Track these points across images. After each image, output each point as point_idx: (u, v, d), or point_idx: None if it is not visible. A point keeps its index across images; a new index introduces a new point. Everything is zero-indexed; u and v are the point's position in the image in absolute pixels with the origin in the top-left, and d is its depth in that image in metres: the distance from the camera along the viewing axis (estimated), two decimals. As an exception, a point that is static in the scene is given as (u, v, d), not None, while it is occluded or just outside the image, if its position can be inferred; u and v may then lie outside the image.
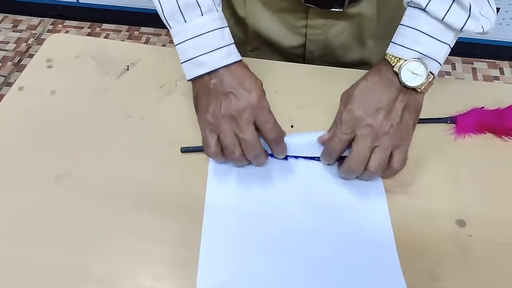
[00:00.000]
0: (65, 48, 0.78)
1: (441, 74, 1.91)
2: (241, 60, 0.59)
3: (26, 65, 0.75)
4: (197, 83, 0.59)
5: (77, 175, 0.60)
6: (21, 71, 0.73)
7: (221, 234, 0.55)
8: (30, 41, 2.07)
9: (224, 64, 0.57)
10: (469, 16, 0.52)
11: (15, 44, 2.06)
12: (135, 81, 0.72)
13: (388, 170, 0.55)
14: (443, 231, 0.55)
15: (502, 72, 1.95)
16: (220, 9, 0.59)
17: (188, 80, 0.59)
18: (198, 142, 0.61)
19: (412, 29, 0.54)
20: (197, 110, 0.59)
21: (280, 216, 0.56)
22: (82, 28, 2.12)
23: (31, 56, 1.97)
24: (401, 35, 0.55)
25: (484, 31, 0.54)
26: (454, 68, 1.95)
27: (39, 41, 2.06)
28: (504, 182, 0.60)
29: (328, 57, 0.80)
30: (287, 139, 0.59)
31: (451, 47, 0.55)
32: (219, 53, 0.57)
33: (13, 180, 0.60)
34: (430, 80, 0.54)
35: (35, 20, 2.18)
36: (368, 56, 0.80)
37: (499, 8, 1.80)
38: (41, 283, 0.51)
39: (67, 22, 2.16)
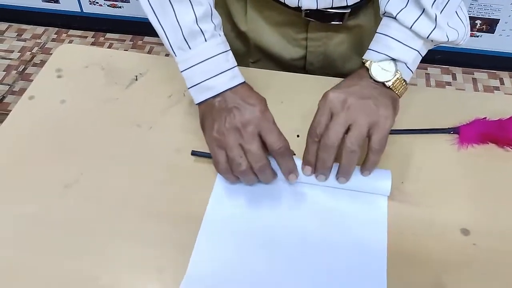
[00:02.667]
0: (74, 58, 0.79)
1: (442, 84, 1.93)
2: (245, 81, 0.60)
3: (31, 73, 0.77)
4: (203, 104, 0.60)
5: (86, 184, 0.61)
6: (25, 80, 0.74)
7: (215, 240, 0.56)
8: (34, 50, 2.09)
9: (230, 87, 0.58)
10: (435, 27, 0.58)
11: (20, 53, 2.07)
12: (143, 91, 0.73)
13: (369, 152, 0.56)
14: (448, 240, 0.56)
15: (502, 83, 1.96)
16: (222, 33, 0.61)
17: (196, 104, 0.60)
18: (205, 151, 0.62)
19: (384, 35, 0.59)
20: (204, 130, 0.60)
21: (275, 233, 0.57)
22: (86, 37, 2.14)
23: (35, 65, 1.99)
24: (375, 41, 0.60)
25: (449, 40, 0.59)
26: (454, 78, 1.97)
27: (43, 50, 2.08)
28: (507, 191, 0.61)
29: (328, 68, 0.81)
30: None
31: (422, 54, 0.60)
32: (224, 76, 0.58)
33: (23, 188, 0.61)
34: (398, 78, 0.58)
35: (39, 29, 2.20)
36: None
37: (498, 19, 1.82)
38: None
39: (71, 32, 2.18)
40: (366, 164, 0.57)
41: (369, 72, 0.59)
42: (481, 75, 1.97)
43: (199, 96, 0.59)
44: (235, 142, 0.56)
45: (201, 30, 0.58)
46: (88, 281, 0.53)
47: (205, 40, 0.59)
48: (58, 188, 0.61)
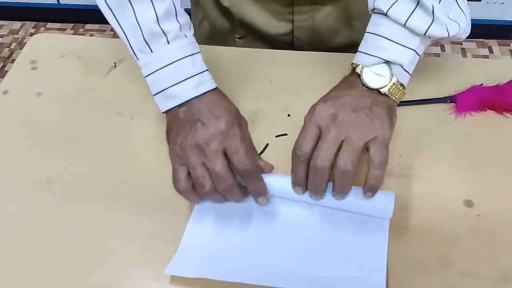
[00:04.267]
0: (49, 48, 0.75)
1: (431, 56, 1.91)
2: (216, 88, 0.55)
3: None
4: (169, 114, 0.54)
5: (70, 178, 0.58)
6: (4, 77, 0.70)
7: (206, 225, 0.54)
8: (12, 46, 2.03)
9: (196, 95, 0.53)
10: (433, 20, 0.50)
11: (-2, 50, 2.02)
12: (123, 78, 0.70)
13: (370, 168, 0.49)
14: (452, 213, 0.54)
15: (491, 51, 1.95)
16: (190, 34, 0.55)
17: (162, 112, 0.55)
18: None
19: (375, 35, 0.51)
20: (168, 143, 0.55)
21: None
22: (65, 29, 2.09)
23: (14, 61, 1.93)
24: (365, 42, 0.53)
25: (450, 35, 0.51)
26: (443, 49, 1.94)
27: (22, 45, 2.02)
28: (508, 158, 0.58)
29: (317, 43, 0.78)
30: (269, 179, 0.54)
31: (419, 53, 0.52)
32: (190, 82, 0.52)
33: (4, 186, 0.58)
34: (395, 83, 0.51)
35: (16, 24, 2.14)
36: (356, 38, 0.78)
37: (486, -14, 1.79)
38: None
39: (49, 25, 2.12)
40: (368, 182, 0.49)
41: (361, 79, 0.51)
42: (470, 45, 1.95)
43: (164, 104, 0.54)
44: (197, 160, 0.51)
45: (162, 31, 0.52)
46: (78, 280, 0.50)
47: (168, 42, 0.53)
48: (41, 184, 0.58)
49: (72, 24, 2.10)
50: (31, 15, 2.12)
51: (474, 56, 1.91)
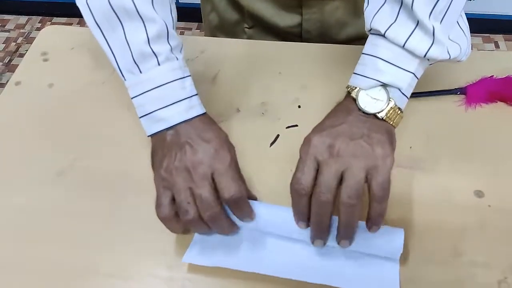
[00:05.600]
0: (59, 41, 0.75)
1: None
2: (205, 113, 0.53)
3: (17, 64, 0.73)
4: (155, 137, 0.52)
5: (80, 169, 0.59)
6: (12, 71, 0.71)
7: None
8: (19, 40, 2.04)
9: (185, 119, 0.50)
10: (433, 42, 0.47)
11: (4, 44, 2.02)
12: (134, 70, 0.70)
13: (371, 201, 0.46)
14: (462, 204, 0.54)
15: (497, 46, 1.94)
16: (181, 56, 0.53)
17: (148, 136, 0.52)
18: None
19: (372, 56, 0.49)
20: (153, 166, 0.52)
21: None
22: (71, 24, 2.09)
23: (21, 55, 1.94)
24: (362, 64, 0.50)
25: (451, 57, 0.49)
26: (449, 44, 1.94)
27: (28, 39, 2.03)
28: (518, 151, 0.59)
29: (325, 35, 0.78)
30: (262, 212, 0.50)
31: (418, 76, 0.50)
32: (179, 106, 0.50)
33: (15, 177, 0.58)
34: (392, 107, 0.48)
35: (22, 19, 2.15)
36: (363, 31, 0.78)
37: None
38: (50, 280, 0.50)
39: (56, 19, 2.13)
40: (371, 216, 0.46)
41: (357, 103, 0.49)
42: (476, 40, 1.95)
43: (151, 127, 0.51)
44: (183, 184, 0.48)
45: (153, 52, 0.50)
46: (89, 270, 0.51)
47: (158, 64, 0.50)
48: (51, 175, 0.58)
49: (78, 18, 2.10)
50: (37, 9, 2.13)
51: (480, 51, 1.90)
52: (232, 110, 0.64)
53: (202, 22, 0.86)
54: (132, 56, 0.50)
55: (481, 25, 1.92)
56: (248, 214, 0.49)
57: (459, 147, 0.59)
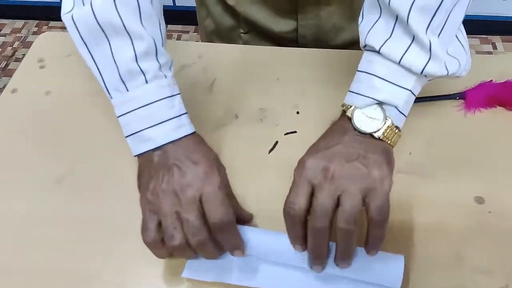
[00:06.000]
0: (56, 47, 0.75)
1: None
2: (194, 132, 0.51)
3: (14, 69, 0.73)
4: (141, 157, 0.50)
5: (80, 176, 0.58)
6: (8, 76, 0.71)
7: None
8: (15, 45, 2.03)
9: (172, 139, 0.49)
10: (430, 58, 0.45)
11: (0, 49, 2.02)
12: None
13: (370, 226, 0.44)
14: (463, 210, 0.54)
15: (494, 47, 1.95)
16: (170, 74, 0.51)
17: (134, 156, 0.51)
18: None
19: (368, 74, 0.47)
20: (139, 188, 0.51)
21: None
22: (60, 32, 2.08)
23: (18, 60, 1.93)
24: (357, 82, 0.48)
25: (449, 73, 0.47)
26: (446, 46, 1.94)
27: (25, 44, 2.02)
28: (518, 156, 0.58)
29: (321, 40, 0.78)
30: (255, 236, 0.49)
31: (415, 93, 0.48)
32: (167, 126, 0.49)
33: (15, 184, 0.58)
34: (389, 126, 0.46)
35: (19, 23, 2.14)
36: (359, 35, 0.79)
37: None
38: (51, 286, 0.50)
39: (52, 23, 2.13)
40: (370, 241, 0.45)
41: (352, 123, 0.47)
42: (473, 41, 1.95)
43: (137, 147, 0.49)
44: (170, 208, 0.46)
45: (141, 69, 0.48)
46: (90, 278, 0.50)
47: (146, 82, 0.48)
48: (50, 182, 0.58)
49: (75, 22, 2.10)
50: (33, 13, 2.12)
51: (478, 52, 1.90)
52: (231, 116, 0.64)
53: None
54: (119, 73, 0.48)
55: (478, 26, 1.92)
56: (236, 245, 0.47)
57: (458, 153, 0.59)
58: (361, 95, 0.47)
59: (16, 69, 0.73)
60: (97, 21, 0.47)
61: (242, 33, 0.80)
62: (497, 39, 1.96)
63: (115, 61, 0.48)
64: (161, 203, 0.46)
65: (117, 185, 0.57)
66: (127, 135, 0.50)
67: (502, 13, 1.89)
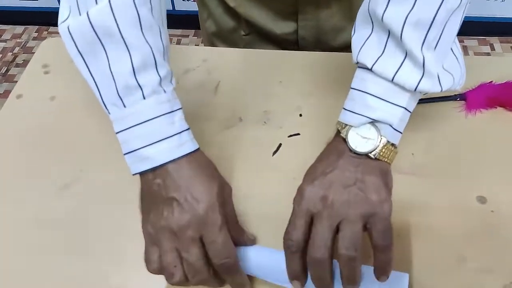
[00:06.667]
0: (60, 53, 0.75)
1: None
2: (197, 149, 0.48)
3: (15, 74, 0.74)
4: (142, 179, 0.48)
5: (86, 180, 0.59)
6: (9, 81, 0.71)
7: None
8: (16, 50, 2.04)
9: (173, 158, 0.46)
10: (423, 75, 0.44)
11: (1, 54, 2.02)
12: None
13: (375, 252, 0.43)
14: (465, 210, 0.54)
15: (493, 48, 1.96)
16: (171, 88, 0.48)
17: (133, 174, 0.48)
18: (202, 137, 0.59)
19: (361, 92, 0.46)
20: (141, 210, 0.49)
21: None
22: (67, 34, 2.09)
23: (18, 65, 1.94)
24: (351, 99, 0.47)
25: (443, 90, 0.46)
26: (445, 47, 1.95)
27: (25, 49, 2.03)
28: (519, 155, 0.59)
29: (321, 41, 0.79)
30: (259, 259, 0.48)
31: (410, 110, 0.47)
32: (167, 143, 0.46)
33: (20, 190, 0.58)
34: (385, 144, 0.46)
35: (19, 29, 2.15)
36: None
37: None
38: (60, 293, 0.50)
39: (52, 28, 2.13)
40: (378, 266, 0.44)
41: (347, 144, 0.46)
42: (472, 42, 1.96)
43: (135, 166, 0.47)
44: (170, 245, 0.45)
45: (138, 84, 0.46)
46: (98, 281, 0.51)
47: (144, 98, 0.46)
48: (57, 187, 0.58)
49: (75, 27, 2.11)
50: (33, 19, 2.13)
51: (476, 53, 1.91)
52: (235, 120, 0.65)
53: (198, 29, 0.87)
54: (116, 88, 0.46)
55: (476, 27, 1.94)
56: (241, 283, 0.47)
57: (460, 153, 0.59)
58: (356, 113, 0.46)
59: (16, 75, 0.73)
60: (94, 31, 0.45)
61: (243, 35, 0.81)
62: (495, 40, 1.97)
63: (112, 75, 0.46)
64: (160, 240, 0.45)
65: (123, 189, 0.58)
66: (125, 153, 0.47)
67: (500, 14, 1.90)
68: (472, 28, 1.93)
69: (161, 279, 0.50)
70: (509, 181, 0.57)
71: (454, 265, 0.50)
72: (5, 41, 2.09)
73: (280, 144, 0.62)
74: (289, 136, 0.63)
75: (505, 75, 0.66)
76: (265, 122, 0.64)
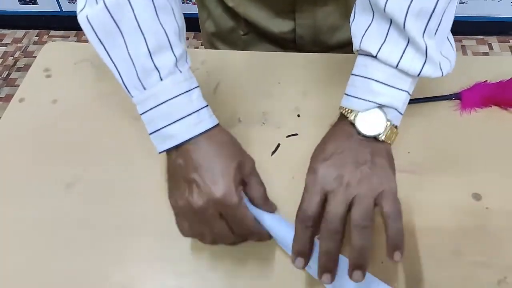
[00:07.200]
0: (62, 56, 0.77)
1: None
2: (216, 125, 0.51)
3: (16, 78, 0.75)
4: (168, 157, 0.51)
5: (89, 180, 0.60)
6: (10, 86, 0.72)
7: None
8: (17, 54, 2.05)
9: (191, 136, 0.48)
10: (425, 61, 0.47)
11: (2, 59, 2.03)
12: (136, 83, 0.71)
13: (387, 222, 0.46)
14: (460, 206, 0.55)
15: (491, 48, 1.96)
16: (186, 67, 0.51)
17: (159, 153, 0.51)
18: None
19: (364, 78, 0.49)
20: (168, 186, 0.52)
21: None
22: (68, 37, 2.11)
23: (19, 69, 1.95)
24: (352, 86, 0.50)
25: (444, 74, 0.49)
26: (443, 47, 1.96)
27: (26, 53, 2.04)
28: (513, 153, 0.60)
29: (318, 40, 0.80)
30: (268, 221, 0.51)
31: (411, 93, 0.49)
32: (186, 122, 0.49)
33: (24, 191, 0.59)
34: (390, 127, 0.48)
35: (19, 33, 2.16)
36: None
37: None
38: (64, 291, 0.51)
39: (52, 32, 2.14)
40: (390, 236, 0.45)
41: (356, 128, 0.48)
42: (470, 42, 1.97)
43: (161, 145, 0.50)
44: (194, 219, 0.49)
45: (155, 66, 0.48)
46: (99, 279, 0.52)
47: (161, 79, 0.48)
48: (60, 188, 0.59)
49: (75, 31, 2.12)
50: (34, 23, 2.14)
51: (474, 53, 1.92)
52: (234, 120, 0.66)
53: (198, 31, 0.88)
54: (136, 71, 0.49)
55: (474, 27, 1.94)
56: (262, 239, 0.51)
57: (455, 151, 0.61)
58: (361, 98, 0.49)
59: (17, 79, 0.74)
60: (111, 17, 0.47)
61: (242, 34, 0.82)
62: (493, 39, 1.98)
63: (131, 58, 0.48)
64: (185, 214, 0.49)
65: (125, 187, 0.59)
66: (150, 132, 0.50)
67: (498, 14, 1.91)
68: (470, 27, 1.94)
69: (163, 275, 0.51)
70: (504, 178, 0.58)
71: (450, 259, 0.51)
72: (5, 45, 2.10)
73: (279, 144, 0.63)
74: (287, 136, 0.64)
75: (499, 75, 0.67)
76: (263, 122, 0.65)
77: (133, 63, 0.48)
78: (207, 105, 0.51)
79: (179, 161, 0.49)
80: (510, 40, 1.98)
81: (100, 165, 0.62)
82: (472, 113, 0.64)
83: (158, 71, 0.48)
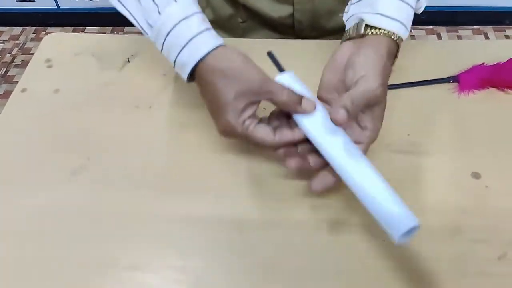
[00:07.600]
0: (62, 47, 0.77)
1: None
2: (219, 46, 0.53)
3: (14, 75, 0.75)
4: (194, 79, 0.56)
5: (94, 167, 0.61)
6: (9, 82, 0.72)
7: None
8: (14, 51, 2.05)
9: (195, 62, 0.52)
10: None
11: (0, 56, 2.03)
12: (137, 72, 0.72)
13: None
14: (460, 185, 0.56)
15: (487, 37, 1.97)
16: None
17: (187, 82, 0.56)
18: (209, 122, 0.61)
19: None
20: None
21: None
22: (65, 33, 2.10)
23: (17, 66, 1.95)
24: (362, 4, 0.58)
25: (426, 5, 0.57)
26: (440, 37, 1.97)
27: (24, 50, 2.04)
28: (509, 132, 0.61)
29: (316, 24, 0.81)
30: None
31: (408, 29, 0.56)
32: (190, 46, 0.53)
33: (30, 180, 0.60)
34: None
35: (16, 30, 2.16)
36: None
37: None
38: (72, 275, 0.52)
39: (50, 29, 2.14)
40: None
41: (394, 38, 0.54)
42: (466, 32, 1.98)
43: (183, 74, 0.55)
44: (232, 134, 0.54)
45: (154, 2, 0.54)
46: (109, 263, 0.52)
47: (159, 13, 0.53)
48: (65, 176, 0.60)
49: (72, 27, 2.12)
50: (31, 20, 2.14)
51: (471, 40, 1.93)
52: (235, 107, 0.66)
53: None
54: (142, 12, 0.54)
55: (470, 17, 1.95)
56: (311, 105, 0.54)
57: (454, 132, 0.61)
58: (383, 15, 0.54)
59: (16, 75, 0.75)
60: None
61: (240, 22, 0.83)
62: (489, 29, 1.99)
63: (138, 1, 0.54)
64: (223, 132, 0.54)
65: (130, 174, 0.60)
66: (173, 66, 0.55)
67: (494, 4, 1.92)
68: (466, 17, 1.95)
69: (168, 263, 0.52)
70: (502, 157, 0.59)
71: (450, 236, 0.52)
72: (3, 42, 2.10)
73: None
74: (288, 121, 0.64)
75: (496, 57, 0.68)
76: (264, 107, 0.66)
77: (140, 4, 0.55)
78: (208, 28, 0.54)
79: (198, 86, 0.55)
80: (506, 30, 1.99)
81: (105, 152, 0.62)
82: (470, 95, 0.65)
83: (157, 6, 0.53)
